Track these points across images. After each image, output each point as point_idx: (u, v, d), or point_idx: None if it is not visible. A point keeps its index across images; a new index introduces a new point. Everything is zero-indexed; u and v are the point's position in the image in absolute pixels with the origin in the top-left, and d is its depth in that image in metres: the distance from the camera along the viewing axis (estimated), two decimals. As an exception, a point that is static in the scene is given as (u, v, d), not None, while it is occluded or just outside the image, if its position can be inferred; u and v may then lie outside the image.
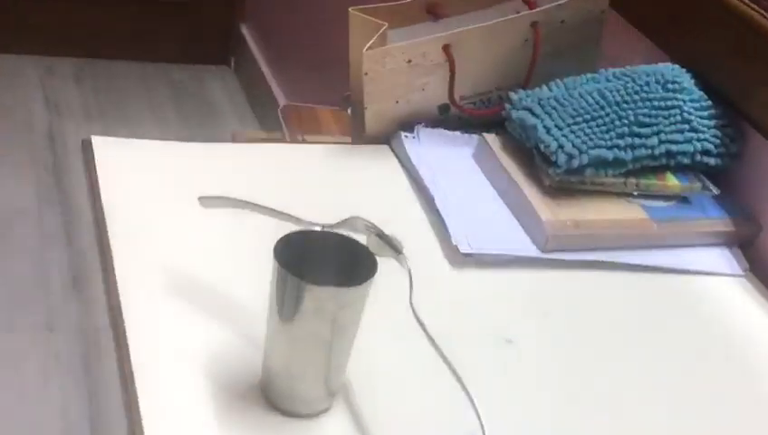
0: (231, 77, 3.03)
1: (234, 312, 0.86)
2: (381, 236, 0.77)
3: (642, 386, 0.89)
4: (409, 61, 1.11)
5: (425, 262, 0.95)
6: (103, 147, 1.06)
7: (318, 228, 0.78)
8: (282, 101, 2.58)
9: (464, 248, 0.99)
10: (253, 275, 0.83)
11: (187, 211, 0.91)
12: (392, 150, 1.16)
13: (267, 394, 0.77)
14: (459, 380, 0.72)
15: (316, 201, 0.99)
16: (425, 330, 0.73)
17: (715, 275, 1.06)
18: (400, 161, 1.14)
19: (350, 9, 1.11)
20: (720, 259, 1.08)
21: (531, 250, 1.02)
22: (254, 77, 2.83)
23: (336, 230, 0.78)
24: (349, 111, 1.50)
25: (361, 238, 0.78)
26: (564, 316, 0.96)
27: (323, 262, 0.77)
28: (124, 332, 0.82)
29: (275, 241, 0.74)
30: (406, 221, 1.04)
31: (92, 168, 1.03)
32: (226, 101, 2.90)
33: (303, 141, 1.48)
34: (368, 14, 1.11)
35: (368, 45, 1.07)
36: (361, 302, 0.73)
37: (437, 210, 1.04)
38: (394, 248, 0.76)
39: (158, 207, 0.97)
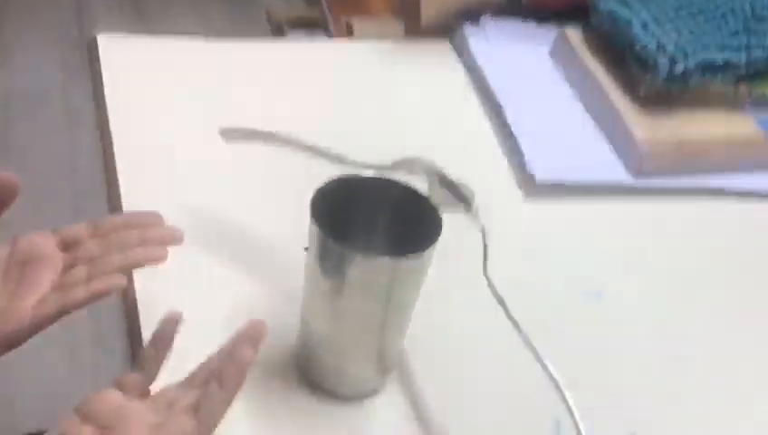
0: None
1: (263, 262, 0.71)
2: (447, 183, 0.60)
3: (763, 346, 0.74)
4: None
5: (495, 194, 0.80)
6: (110, 47, 0.89)
7: (367, 173, 0.61)
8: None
9: (541, 176, 0.82)
10: (287, 218, 0.68)
11: (203, 135, 0.75)
12: (453, 47, 0.97)
13: (305, 371, 0.63)
14: (545, 367, 0.57)
15: (362, 125, 0.83)
16: (503, 305, 0.57)
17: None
18: (463, 61, 0.95)
19: None
20: None
21: (622, 176, 0.84)
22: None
23: (389, 175, 0.61)
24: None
25: (422, 184, 0.62)
26: (663, 259, 0.80)
27: (373, 218, 0.61)
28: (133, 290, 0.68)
29: (313, 189, 0.59)
30: (469, 139, 0.87)
31: (98, 74, 0.86)
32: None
33: (347, 28, 1.28)
34: None
35: None
36: (421, 272, 0.58)
37: (508, 125, 0.86)
38: (464, 201, 0.59)
39: (170, 126, 0.81)
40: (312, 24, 1.60)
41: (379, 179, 0.61)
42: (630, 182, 0.84)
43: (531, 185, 0.82)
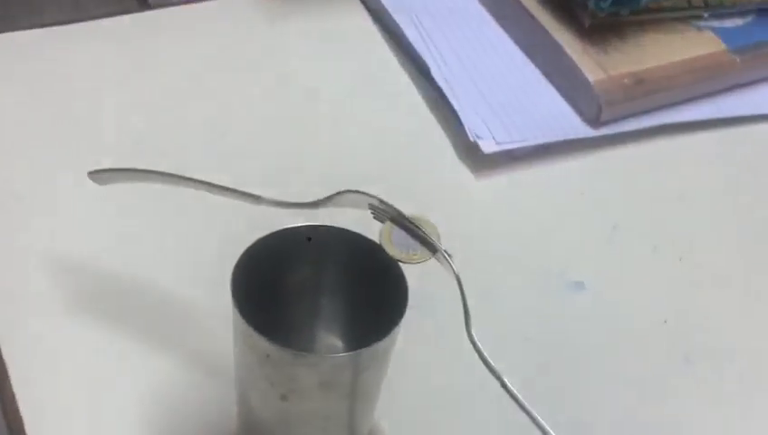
0: None
1: (174, 330, 0.56)
2: (401, 221, 0.46)
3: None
4: None
5: (437, 174, 0.66)
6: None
7: (295, 217, 0.46)
8: None
9: (487, 146, 0.68)
10: (194, 272, 0.55)
11: (72, 174, 0.58)
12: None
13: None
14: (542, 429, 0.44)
15: (263, 127, 0.68)
16: (487, 364, 0.44)
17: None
18: (368, 8, 0.80)
19: None
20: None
21: (579, 129, 0.71)
22: None
23: (323, 217, 0.47)
24: None
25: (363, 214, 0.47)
26: (645, 221, 0.67)
27: (318, 281, 0.47)
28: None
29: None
30: (393, 112, 0.72)
31: None
32: None
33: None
34: None
35: None
36: (389, 350, 0.44)
37: (438, 89, 0.72)
38: (427, 246, 0.45)
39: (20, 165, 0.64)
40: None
41: (318, 230, 0.46)
42: (590, 134, 0.71)
43: (476, 155, 0.68)
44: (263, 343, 0.41)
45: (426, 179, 0.67)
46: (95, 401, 0.52)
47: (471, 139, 0.68)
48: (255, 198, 0.49)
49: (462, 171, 0.68)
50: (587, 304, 0.61)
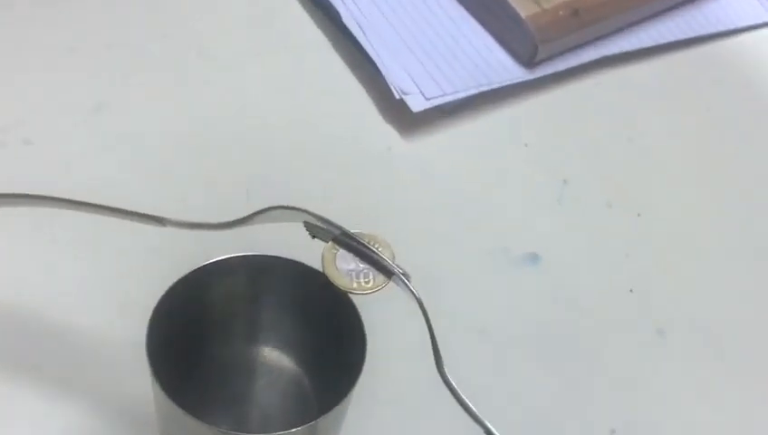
0: None
1: (84, 380, 0.47)
2: (347, 242, 0.38)
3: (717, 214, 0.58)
4: None
5: (362, 144, 0.58)
6: None
7: (221, 246, 0.38)
8: None
9: (416, 104, 0.60)
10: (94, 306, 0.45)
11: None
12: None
13: None
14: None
15: (161, 116, 0.57)
16: (468, 411, 0.37)
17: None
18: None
19: None
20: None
21: (515, 72, 0.63)
22: None
23: (246, 238, 0.38)
24: None
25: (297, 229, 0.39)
26: (596, 172, 0.61)
27: (252, 321, 0.39)
28: None
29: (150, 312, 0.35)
30: (307, 75, 0.63)
31: None
32: None
33: None
34: None
35: None
36: (345, 409, 0.37)
37: (357, 45, 0.63)
38: (382, 270, 0.37)
39: None
40: None
41: (249, 260, 0.38)
42: (529, 76, 0.63)
43: (403, 113, 0.60)
44: (198, 426, 0.33)
45: (350, 151, 0.58)
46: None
47: (396, 96, 0.59)
48: (158, 220, 0.40)
49: (390, 136, 0.60)
50: (544, 280, 0.55)
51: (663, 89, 0.67)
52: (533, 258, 0.55)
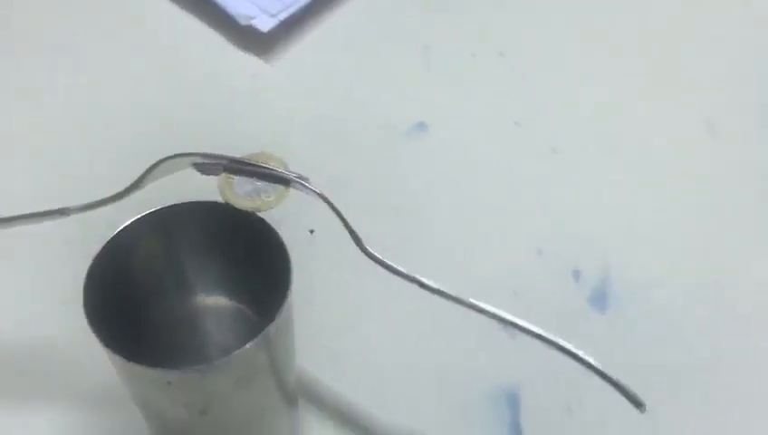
0: None
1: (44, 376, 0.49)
2: (237, 168, 0.40)
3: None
4: None
5: (224, 80, 0.59)
6: None
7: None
8: None
9: (263, 23, 0.61)
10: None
11: None
12: None
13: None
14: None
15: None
16: (399, 273, 0.40)
17: None
18: None
19: None
20: None
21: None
22: None
23: (148, 199, 0.40)
24: None
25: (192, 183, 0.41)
26: (454, 29, 0.63)
27: (182, 268, 0.41)
28: None
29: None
30: (147, 27, 0.63)
31: None
32: None
33: None
34: None
35: None
36: (289, 321, 0.39)
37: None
38: (277, 181, 0.40)
39: None
40: None
41: (153, 216, 0.39)
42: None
43: (261, 41, 0.61)
44: (159, 374, 0.35)
45: (218, 89, 0.59)
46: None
47: (243, 23, 0.61)
48: (61, 212, 0.41)
49: (251, 64, 0.61)
50: (433, 143, 0.57)
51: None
52: (421, 127, 0.58)
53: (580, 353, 0.37)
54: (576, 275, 0.51)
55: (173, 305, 0.43)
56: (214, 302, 0.44)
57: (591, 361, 0.37)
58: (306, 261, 0.39)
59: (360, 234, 0.39)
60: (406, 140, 0.57)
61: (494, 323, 0.39)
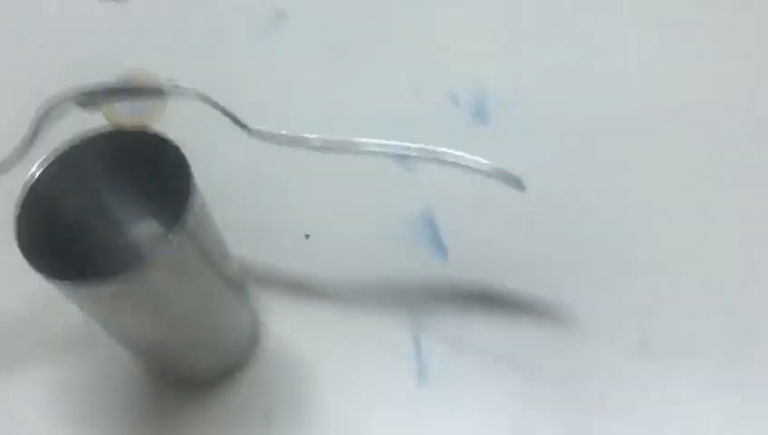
0: None
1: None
2: (114, 94, 0.43)
3: None
4: None
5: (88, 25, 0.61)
6: None
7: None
8: None
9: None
10: None
11: None
12: None
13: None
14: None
15: None
16: (276, 138, 0.44)
17: None
18: None
19: None
20: None
21: None
22: None
23: (49, 146, 0.43)
24: None
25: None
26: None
27: (94, 202, 0.44)
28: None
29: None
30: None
31: None
32: None
33: None
34: None
35: None
36: (202, 208, 0.43)
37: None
38: (151, 93, 0.43)
39: None
40: None
41: (61, 155, 0.42)
42: None
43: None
44: (106, 286, 0.39)
45: (71, 29, 0.62)
46: None
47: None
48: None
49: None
50: (296, 34, 0.61)
51: None
52: (281, 14, 0.61)
53: (464, 155, 0.42)
54: (454, 99, 0.56)
55: (102, 236, 0.46)
56: (138, 226, 0.48)
57: (472, 159, 0.42)
58: (205, 160, 0.42)
59: (242, 115, 0.43)
60: (267, 27, 0.60)
61: (388, 163, 0.43)
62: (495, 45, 0.58)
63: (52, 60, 0.60)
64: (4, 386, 0.49)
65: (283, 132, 0.43)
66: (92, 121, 0.43)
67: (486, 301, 0.48)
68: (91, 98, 0.43)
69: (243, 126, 0.43)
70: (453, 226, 0.51)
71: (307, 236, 0.48)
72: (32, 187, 0.41)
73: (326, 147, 0.43)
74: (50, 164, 0.42)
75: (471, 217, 0.51)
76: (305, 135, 0.43)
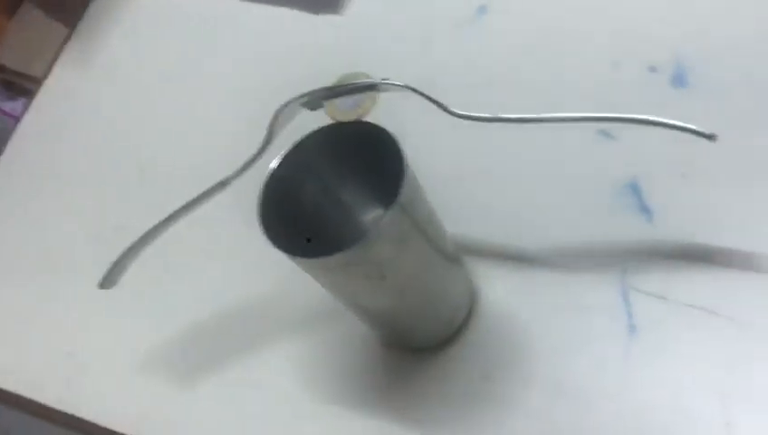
0: None
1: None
2: (333, 94, 0.49)
3: None
4: None
5: (312, 40, 0.67)
6: None
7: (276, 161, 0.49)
8: None
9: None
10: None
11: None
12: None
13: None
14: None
15: (180, 134, 0.69)
16: (479, 118, 0.48)
17: None
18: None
19: None
20: None
21: None
22: None
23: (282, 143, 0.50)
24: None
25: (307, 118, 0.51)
26: None
27: (323, 188, 0.50)
28: None
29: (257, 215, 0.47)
30: (239, 38, 0.74)
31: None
32: None
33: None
34: None
35: None
36: (416, 187, 0.48)
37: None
38: (365, 89, 0.49)
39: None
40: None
41: (295, 149, 0.48)
42: None
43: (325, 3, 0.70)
44: (339, 257, 0.45)
45: (301, 49, 0.69)
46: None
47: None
48: (223, 183, 0.52)
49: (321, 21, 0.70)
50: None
51: None
52: (482, 10, 0.66)
53: (659, 119, 0.44)
54: (652, 69, 0.57)
55: (334, 219, 0.52)
56: (365, 211, 0.53)
57: (669, 121, 0.44)
58: (416, 145, 0.47)
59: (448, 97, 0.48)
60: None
61: (590, 133, 0.46)
62: (690, 11, 0.59)
63: (281, 71, 0.67)
64: (256, 361, 0.57)
65: (485, 115, 0.47)
66: (318, 120, 0.50)
67: (692, 258, 0.50)
68: (314, 99, 0.49)
69: (448, 111, 0.48)
70: (657, 189, 0.53)
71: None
72: (270, 178, 0.48)
73: (526, 121, 0.47)
74: (284, 158, 0.48)
75: (673, 180, 0.53)
76: (507, 115, 0.47)
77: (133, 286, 0.55)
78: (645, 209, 0.53)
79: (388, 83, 0.48)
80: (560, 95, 0.57)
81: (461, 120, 0.48)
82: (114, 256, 0.54)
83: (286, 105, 0.50)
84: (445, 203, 0.50)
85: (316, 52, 0.68)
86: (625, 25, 0.60)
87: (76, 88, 0.77)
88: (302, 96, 0.50)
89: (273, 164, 0.48)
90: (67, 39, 0.80)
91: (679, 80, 0.56)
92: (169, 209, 0.52)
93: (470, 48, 0.64)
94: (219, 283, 0.61)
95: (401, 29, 0.67)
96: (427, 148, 0.55)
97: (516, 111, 0.48)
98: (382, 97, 0.49)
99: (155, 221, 0.53)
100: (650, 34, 0.59)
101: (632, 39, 0.59)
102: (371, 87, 0.49)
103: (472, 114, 0.47)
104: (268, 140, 0.51)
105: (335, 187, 0.51)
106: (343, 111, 0.49)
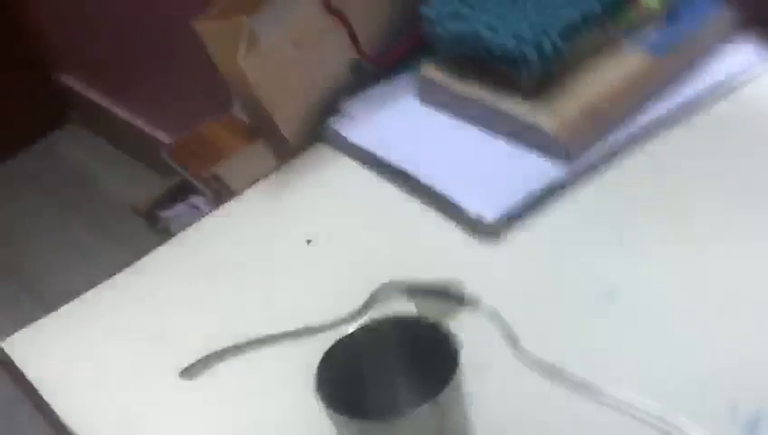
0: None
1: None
2: (429, 291, 0.55)
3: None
4: (295, 41, 0.87)
5: (457, 259, 0.74)
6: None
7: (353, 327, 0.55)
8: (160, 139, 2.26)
9: (489, 213, 0.77)
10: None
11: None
12: (330, 144, 0.93)
13: None
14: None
15: (300, 276, 0.77)
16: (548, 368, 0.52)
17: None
18: (345, 152, 0.91)
19: (195, 24, 0.86)
20: (747, 51, 0.89)
21: (557, 170, 0.81)
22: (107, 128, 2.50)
23: (369, 317, 0.56)
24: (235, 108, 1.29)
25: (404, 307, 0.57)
26: (645, 235, 0.75)
27: (380, 366, 0.56)
28: None
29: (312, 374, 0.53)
30: (395, 224, 0.81)
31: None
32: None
33: (216, 180, 1.25)
34: (216, 18, 0.86)
35: (241, 52, 0.83)
36: (459, 394, 0.52)
37: (429, 188, 0.82)
38: (455, 300, 0.54)
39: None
40: (181, 192, 1.54)
41: (370, 325, 0.55)
42: (568, 173, 0.81)
43: (482, 229, 0.77)
44: (361, 424, 0.49)
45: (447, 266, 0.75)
46: None
47: (473, 215, 0.77)
48: (311, 331, 0.58)
49: (474, 248, 0.76)
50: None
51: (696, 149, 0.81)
52: (612, 295, 0.70)
53: None
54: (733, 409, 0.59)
55: (379, 397, 0.57)
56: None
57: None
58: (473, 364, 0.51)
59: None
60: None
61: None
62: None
63: (393, 259, 0.73)
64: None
65: (549, 361, 0.51)
66: (407, 307, 0.56)
67: None
68: (410, 290, 0.55)
69: (516, 342, 0.52)
70: None
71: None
72: (338, 342, 0.53)
73: (579, 385, 0.51)
74: (356, 330, 0.54)
75: None
76: (568, 370, 0.50)
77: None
78: None
79: (475, 300, 0.54)
80: (631, 371, 0.59)
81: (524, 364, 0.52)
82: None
83: (386, 288, 0.56)
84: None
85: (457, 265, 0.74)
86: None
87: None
88: (401, 284, 0.56)
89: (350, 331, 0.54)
90: (273, 171, 0.92)
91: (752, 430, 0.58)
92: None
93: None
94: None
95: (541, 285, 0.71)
96: (483, 369, 0.58)
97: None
98: (466, 313, 0.54)
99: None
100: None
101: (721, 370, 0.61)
102: (460, 299, 0.54)
103: (536, 355, 0.52)
104: (361, 310, 0.57)
105: (388, 370, 0.55)
106: (430, 309, 0.55)
